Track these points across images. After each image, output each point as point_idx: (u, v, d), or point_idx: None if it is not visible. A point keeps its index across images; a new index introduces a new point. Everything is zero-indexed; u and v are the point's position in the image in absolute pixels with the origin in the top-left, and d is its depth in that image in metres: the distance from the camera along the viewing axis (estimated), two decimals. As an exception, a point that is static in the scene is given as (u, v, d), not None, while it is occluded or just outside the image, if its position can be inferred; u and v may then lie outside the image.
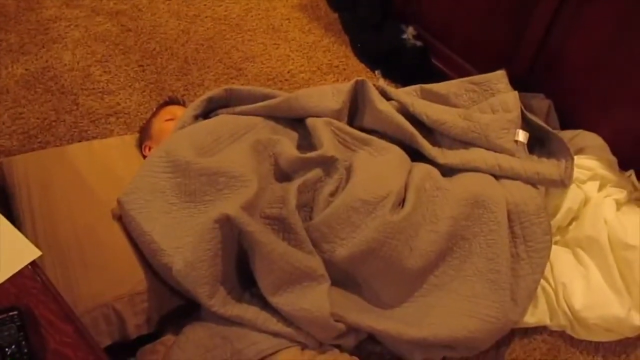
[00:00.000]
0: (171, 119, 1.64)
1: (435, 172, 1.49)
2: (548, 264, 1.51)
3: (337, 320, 1.29)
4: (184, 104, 1.77)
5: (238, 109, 1.61)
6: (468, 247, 1.40)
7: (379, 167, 1.43)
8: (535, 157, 1.56)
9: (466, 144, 1.55)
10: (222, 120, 1.56)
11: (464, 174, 1.50)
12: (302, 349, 1.30)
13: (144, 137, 1.66)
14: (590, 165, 1.59)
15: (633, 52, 1.50)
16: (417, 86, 1.70)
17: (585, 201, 1.58)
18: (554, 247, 1.52)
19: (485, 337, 1.35)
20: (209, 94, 1.63)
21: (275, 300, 1.28)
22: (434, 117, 1.54)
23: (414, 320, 1.35)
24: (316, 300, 1.28)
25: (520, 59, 1.73)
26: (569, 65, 1.67)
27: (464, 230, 1.40)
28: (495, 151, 1.52)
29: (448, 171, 1.53)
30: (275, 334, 1.28)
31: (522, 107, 1.58)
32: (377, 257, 1.33)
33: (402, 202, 1.40)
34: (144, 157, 1.62)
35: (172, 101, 1.77)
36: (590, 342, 1.52)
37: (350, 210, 1.34)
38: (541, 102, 1.72)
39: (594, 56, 1.60)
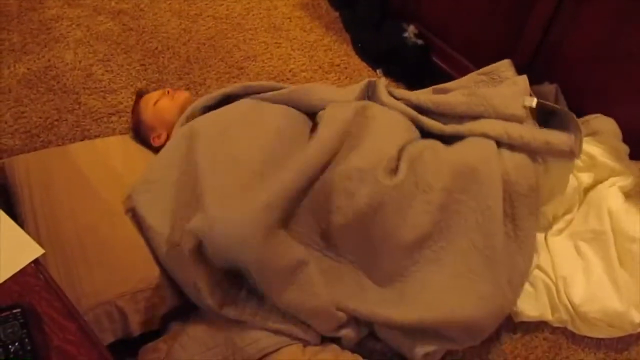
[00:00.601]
0: (158, 100, 1.68)
1: (438, 144, 1.49)
2: (549, 258, 1.51)
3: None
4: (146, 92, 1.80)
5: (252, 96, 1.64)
6: (464, 222, 1.39)
7: (379, 134, 1.45)
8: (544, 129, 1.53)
9: (475, 119, 1.53)
10: (242, 108, 1.58)
11: (466, 144, 1.48)
12: (304, 347, 1.30)
13: (145, 133, 1.67)
14: (592, 152, 1.56)
15: (632, 49, 1.50)
16: (429, 88, 1.73)
17: (585, 191, 1.57)
18: (554, 240, 1.53)
19: (483, 317, 1.33)
20: (226, 90, 1.65)
21: (279, 301, 1.29)
22: (438, 101, 1.56)
23: (410, 297, 1.35)
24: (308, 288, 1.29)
25: (520, 56, 1.73)
26: (569, 61, 1.67)
27: (460, 205, 1.40)
28: (505, 120, 1.50)
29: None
30: (275, 332, 1.29)
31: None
32: (372, 224, 1.35)
33: (396, 169, 1.41)
34: (156, 147, 1.64)
35: (142, 93, 1.78)
36: (592, 339, 1.52)
37: (346, 180, 1.35)
38: (548, 88, 1.70)
39: (592, 53, 1.60)
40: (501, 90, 1.55)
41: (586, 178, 1.57)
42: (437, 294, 1.34)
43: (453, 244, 1.39)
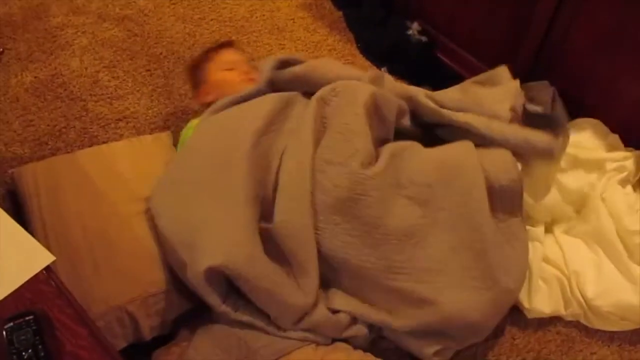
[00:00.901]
0: (230, 69, 1.64)
1: (418, 145, 1.48)
2: (560, 253, 1.50)
3: (336, 311, 1.31)
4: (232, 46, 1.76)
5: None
6: (449, 217, 1.36)
7: (346, 125, 1.41)
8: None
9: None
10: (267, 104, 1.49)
11: (445, 145, 1.48)
12: (316, 347, 1.30)
13: (197, 79, 1.66)
14: (572, 152, 1.54)
15: (635, 43, 1.50)
16: None
17: (585, 196, 1.55)
18: (563, 236, 1.52)
19: (478, 312, 1.30)
20: (271, 64, 1.59)
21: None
22: (432, 94, 1.56)
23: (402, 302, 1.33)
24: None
25: (525, 52, 1.73)
26: (573, 56, 1.67)
27: (444, 200, 1.37)
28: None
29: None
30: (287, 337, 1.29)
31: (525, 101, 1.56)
32: (355, 217, 1.31)
33: (374, 162, 1.39)
34: (202, 102, 1.62)
35: (226, 44, 1.73)
36: (605, 332, 1.51)
37: (318, 173, 1.33)
38: (546, 88, 1.70)
39: (596, 47, 1.60)
40: (493, 91, 1.54)
41: (571, 181, 1.54)
42: (429, 293, 1.32)
43: (441, 240, 1.35)
